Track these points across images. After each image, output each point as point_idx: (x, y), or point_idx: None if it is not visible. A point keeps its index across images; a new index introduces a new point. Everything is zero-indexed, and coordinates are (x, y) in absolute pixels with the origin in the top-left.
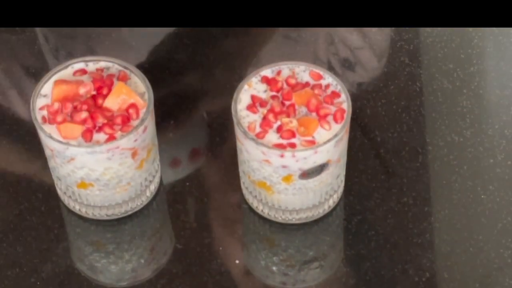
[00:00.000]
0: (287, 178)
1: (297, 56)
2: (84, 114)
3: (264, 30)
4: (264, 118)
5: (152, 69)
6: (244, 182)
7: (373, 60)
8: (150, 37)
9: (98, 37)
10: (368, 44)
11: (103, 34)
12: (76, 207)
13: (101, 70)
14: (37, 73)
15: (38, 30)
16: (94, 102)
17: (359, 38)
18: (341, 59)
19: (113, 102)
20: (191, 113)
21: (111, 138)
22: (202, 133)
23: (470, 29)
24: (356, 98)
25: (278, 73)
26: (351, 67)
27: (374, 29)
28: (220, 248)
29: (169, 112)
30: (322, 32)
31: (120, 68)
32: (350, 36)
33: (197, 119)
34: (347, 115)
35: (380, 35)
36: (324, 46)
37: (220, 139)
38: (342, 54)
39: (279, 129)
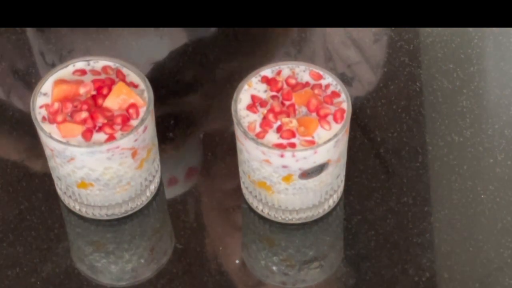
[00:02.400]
0: (287, 178)
1: None
2: (84, 114)
3: (264, 31)
4: (264, 118)
5: (152, 70)
6: (244, 182)
7: (369, 74)
8: (150, 37)
9: (98, 37)
10: (365, 59)
11: (103, 34)
12: (76, 207)
13: (101, 70)
14: (37, 73)
15: (33, 46)
16: (94, 102)
17: (356, 53)
18: (339, 75)
19: (113, 102)
20: (191, 113)
21: (111, 138)
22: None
23: (470, 29)
24: (356, 98)
25: (278, 73)
26: (348, 82)
27: (370, 43)
28: (220, 248)
29: (169, 112)
30: (320, 49)
31: (120, 67)
32: (347, 51)
33: (197, 120)
34: (347, 115)
35: (376, 49)
36: (322, 63)
37: (220, 139)
38: (339, 69)
39: (279, 129)
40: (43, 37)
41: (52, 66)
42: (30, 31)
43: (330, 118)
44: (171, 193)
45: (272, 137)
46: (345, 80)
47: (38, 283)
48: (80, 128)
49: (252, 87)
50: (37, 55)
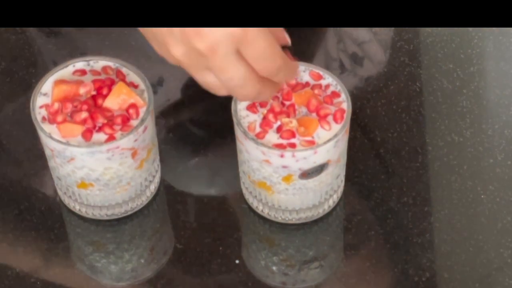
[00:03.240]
0: (287, 178)
1: (309, 56)
2: (84, 114)
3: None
4: (264, 118)
5: (152, 70)
6: (244, 182)
7: (379, 52)
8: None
9: (98, 37)
10: (374, 37)
11: (103, 34)
12: (76, 207)
13: (101, 70)
14: (37, 73)
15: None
16: (94, 102)
17: (365, 32)
18: (350, 55)
19: (113, 102)
20: (191, 113)
21: (111, 138)
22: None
23: (470, 29)
24: (356, 98)
25: None
26: (359, 62)
27: None
28: (220, 248)
29: (169, 112)
30: (330, 30)
31: (120, 67)
32: (357, 30)
33: (197, 120)
34: (347, 115)
35: (384, 27)
36: (334, 44)
37: (220, 139)
38: (350, 49)
39: (279, 129)
40: (52, 41)
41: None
42: (37, 34)
43: (330, 118)
44: (171, 193)
45: (272, 137)
46: (356, 60)
47: (38, 283)
48: (80, 128)
49: None
50: (47, 57)
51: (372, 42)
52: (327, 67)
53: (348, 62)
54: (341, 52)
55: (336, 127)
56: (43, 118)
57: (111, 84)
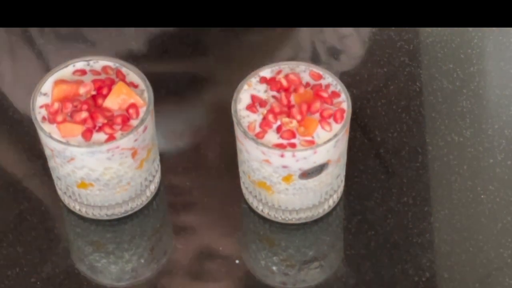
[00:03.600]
0: (287, 178)
1: (279, 45)
2: (84, 114)
3: (264, 31)
4: (264, 118)
5: (152, 70)
6: (244, 182)
7: (358, 47)
8: (150, 37)
9: (98, 37)
10: (356, 31)
11: (103, 34)
12: (76, 207)
13: (101, 70)
14: (37, 73)
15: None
16: (94, 102)
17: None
18: (327, 48)
19: (113, 102)
20: (191, 113)
21: (111, 138)
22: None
23: (470, 29)
24: (356, 98)
25: (278, 73)
26: (336, 56)
27: None
28: (220, 248)
29: (169, 112)
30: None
31: (120, 67)
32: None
33: (197, 119)
34: (347, 115)
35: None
36: (309, 34)
37: (220, 139)
38: (329, 42)
39: (279, 129)
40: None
41: None
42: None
43: (330, 118)
44: (171, 193)
45: (272, 137)
46: (333, 53)
47: (38, 283)
48: (80, 128)
49: (252, 87)
50: (47, 57)
51: (353, 36)
52: (296, 56)
53: (324, 55)
54: (319, 43)
55: (336, 127)
56: (43, 118)
57: (111, 84)
